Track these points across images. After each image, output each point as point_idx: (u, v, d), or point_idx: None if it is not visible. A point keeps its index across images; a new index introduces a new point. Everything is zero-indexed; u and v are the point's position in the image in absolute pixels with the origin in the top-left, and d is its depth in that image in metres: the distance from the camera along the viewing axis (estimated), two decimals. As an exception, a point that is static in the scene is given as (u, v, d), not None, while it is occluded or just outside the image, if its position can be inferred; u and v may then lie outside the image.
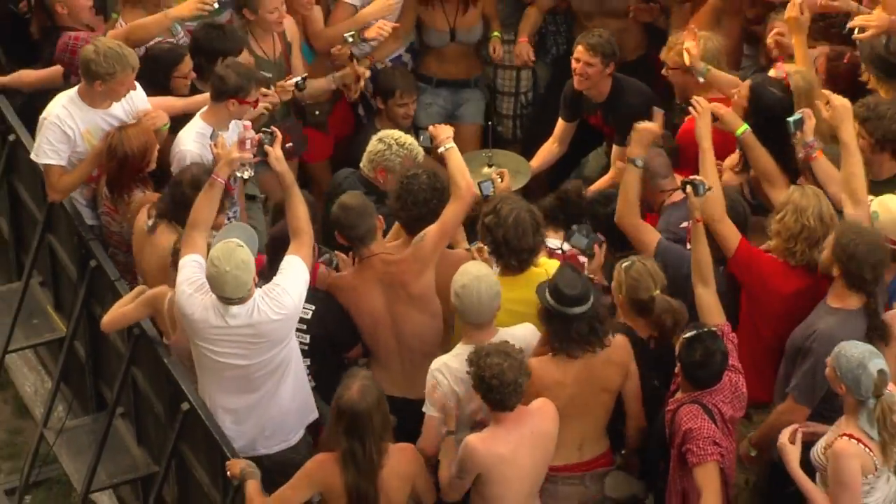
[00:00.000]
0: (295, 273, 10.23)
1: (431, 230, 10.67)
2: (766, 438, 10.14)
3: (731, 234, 10.76)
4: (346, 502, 9.58)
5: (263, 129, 11.04)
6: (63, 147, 11.98)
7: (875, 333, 9.81)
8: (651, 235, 10.91)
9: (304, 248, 10.41)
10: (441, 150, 11.16)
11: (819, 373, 9.71)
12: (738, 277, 10.79)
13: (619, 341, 10.08)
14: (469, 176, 11.10)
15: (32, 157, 12.08)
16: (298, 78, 13.04)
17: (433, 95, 14.50)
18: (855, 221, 10.41)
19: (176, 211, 11.05)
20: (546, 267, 10.73)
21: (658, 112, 12.05)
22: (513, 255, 10.53)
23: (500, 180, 11.94)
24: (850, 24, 12.60)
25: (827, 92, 11.34)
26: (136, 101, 12.25)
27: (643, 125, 11.39)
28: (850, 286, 9.85)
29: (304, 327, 10.75)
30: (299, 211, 10.62)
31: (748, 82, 12.08)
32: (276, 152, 10.77)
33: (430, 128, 11.63)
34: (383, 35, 13.54)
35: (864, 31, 12.30)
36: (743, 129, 11.46)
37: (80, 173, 11.97)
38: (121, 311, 10.63)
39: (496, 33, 14.53)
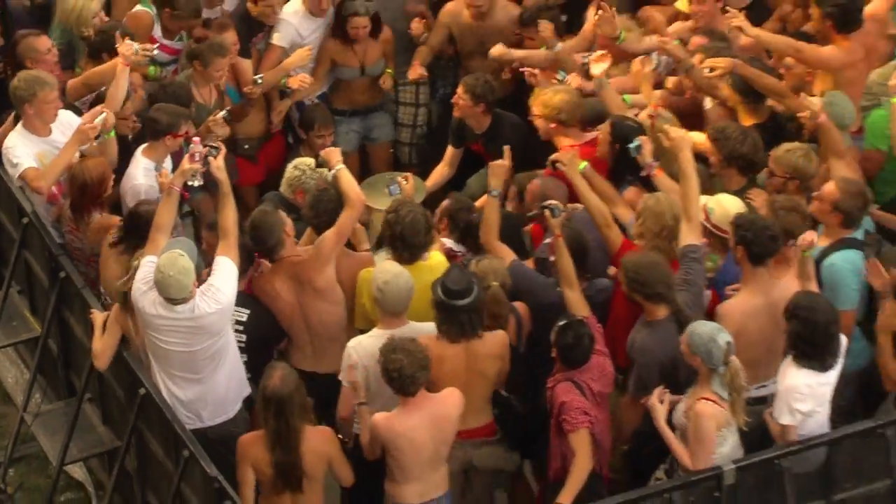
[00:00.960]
0: (225, 271, 10.47)
1: (328, 233, 11.03)
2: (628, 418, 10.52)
3: (616, 237, 11.18)
4: (272, 476, 9.78)
5: (209, 143, 11.18)
6: (27, 153, 12.01)
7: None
8: (506, 256, 11.14)
9: (232, 249, 10.62)
10: (333, 171, 11.46)
11: (643, 376, 10.29)
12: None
13: (499, 336, 10.44)
14: (358, 189, 11.46)
15: (11, 172, 12.06)
16: (224, 112, 12.91)
17: (349, 124, 14.47)
18: (631, 255, 10.70)
19: (134, 237, 11.11)
20: (432, 262, 11.10)
21: (506, 149, 11.89)
22: (406, 248, 10.89)
23: (405, 182, 12.32)
24: (704, 64, 12.63)
25: (666, 126, 11.46)
26: (73, 124, 12.13)
27: (496, 162, 11.78)
28: (653, 301, 10.18)
29: (242, 328, 11.00)
30: (230, 215, 10.81)
31: (609, 119, 12.32)
32: (218, 163, 10.93)
33: (322, 153, 12.01)
34: (304, 86, 13.59)
35: (714, 71, 12.48)
36: (583, 165, 11.63)
37: (56, 167, 11.85)
38: (102, 341, 10.56)
39: (389, 70, 14.66)
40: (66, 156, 11.96)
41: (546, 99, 12.57)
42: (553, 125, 12.42)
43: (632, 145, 11.61)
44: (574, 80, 13.36)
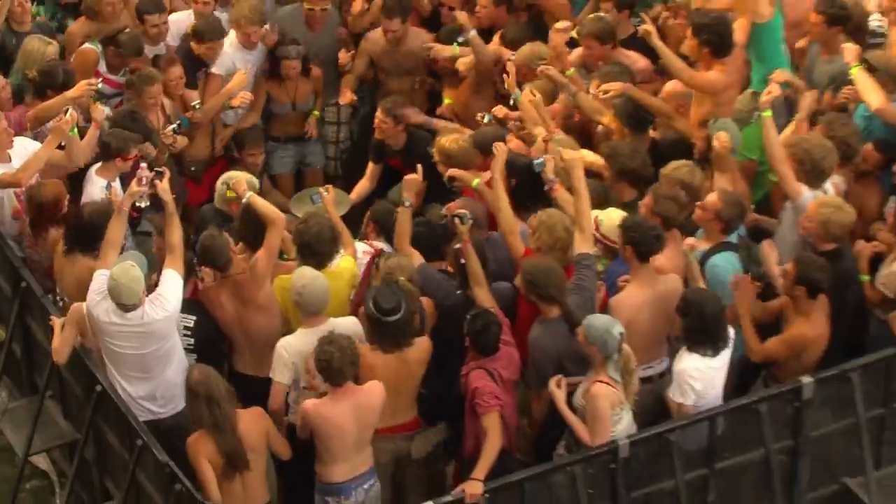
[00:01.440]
0: (172, 283, 10.59)
1: (260, 254, 11.05)
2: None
3: (518, 245, 11.16)
4: (224, 464, 9.77)
5: (155, 168, 11.34)
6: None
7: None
8: (416, 259, 11.23)
9: (178, 262, 10.78)
10: (244, 199, 11.45)
11: (539, 369, 10.42)
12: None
13: (425, 342, 10.57)
14: (273, 208, 11.43)
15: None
16: (172, 126, 12.98)
17: (283, 150, 14.52)
18: (529, 260, 10.87)
19: (83, 240, 11.23)
20: (339, 269, 11.23)
21: (419, 167, 12.02)
22: (313, 255, 10.93)
23: (325, 193, 12.23)
24: (598, 89, 12.70)
25: (560, 149, 11.58)
26: (30, 148, 12.17)
27: (409, 177, 11.86)
28: (546, 302, 10.31)
29: (189, 332, 11.05)
30: (175, 232, 10.99)
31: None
32: (163, 185, 11.08)
33: (231, 184, 11.91)
34: (245, 103, 13.63)
35: (608, 93, 12.51)
36: (476, 182, 11.78)
37: (37, 160, 11.91)
38: (61, 339, 10.58)
39: (315, 112, 14.74)
40: (47, 151, 12.03)
41: (441, 147, 12.61)
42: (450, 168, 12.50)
43: (536, 161, 11.67)
44: (499, 111, 13.28)
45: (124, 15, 14.02)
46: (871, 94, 12.29)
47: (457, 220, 11.01)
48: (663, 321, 10.70)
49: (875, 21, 14.03)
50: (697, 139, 12.30)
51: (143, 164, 11.53)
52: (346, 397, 9.96)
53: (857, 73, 12.45)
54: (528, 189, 11.90)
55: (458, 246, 11.02)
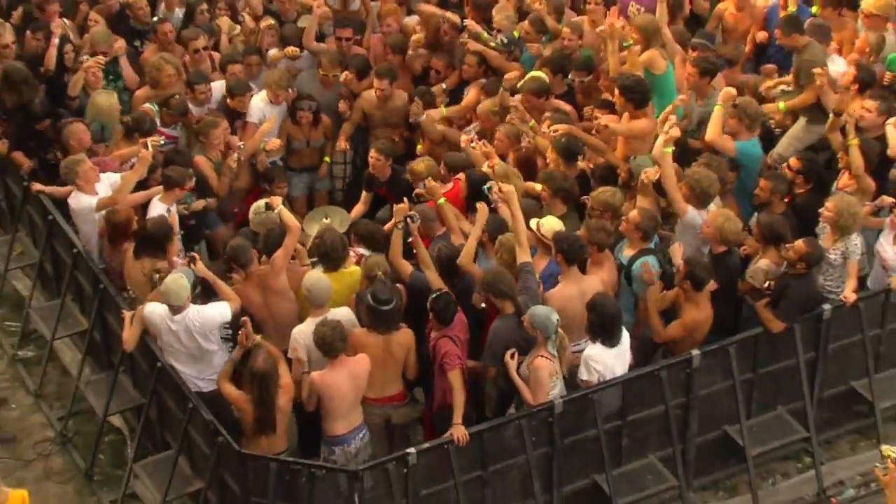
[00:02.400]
0: (217, 307, 10.71)
1: (279, 252, 11.08)
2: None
3: (476, 272, 11.14)
4: (252, 425, 9.99)
5: (188, 255, 11.48)
6: (90, 204, 11.98)
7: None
8: (407, 268, 11.27)
9: (226, 299, 10.86)
10: (276, 210, 11.48)
11: (494, 350, 10.43)
12: None
13: (408, 332, 10.67)
14: (294, 220, 11.52)
15: (84, 215, 12.09)
16: (236, 156, 13.00)
17: (299, 178, 14.33)
18: (493, 267, 11.02)
19: (146, 246, 11.29)
20: (349, 270, 11.27)
21: (405, 199, 11.73)
22: (329, 261, 11.04)
23: (326, 219, 12.46)
24: (551, 128, 12.56)
25: (500, 184, 11.34)
26: (112, 179, 12.21)
27: (399, 206, 11.59)
28: (500, 298, 10.41)
29: (228, 324, 10.90)
30: (225, 289, 11.09)
31: (464, 173, 12.51)
32: (199, 266, 11.22)
33: (268, 200, 11.91)
34: (275, 147, 13.49)
35: (557, 132, 12.44)
36: (441, 200, 11.89)
37: (128, 183, 11.95)
38: (129, 332, 10.79)
39: (327, 158, 14.59)
40: (135, 176, 12.01)
41: (413, 168, 12.54)
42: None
43: (485, 187, 11.61)
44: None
45: (178, 83, 13.89)
46: (712, 127, 12.39)
47: (408, 219, 11.19)
48: (584, 311, 10.63)
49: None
50: (622, 170, 12.41)
51: (177, 259, 11.55)
52: (341, 367, 10.10)
53: (716, 111, 12.47)
54: (477, 198, 11.77)
55: (410, 239, 11.28)
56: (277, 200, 11.81)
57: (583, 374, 10.53)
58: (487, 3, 15.11)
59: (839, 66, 13.84)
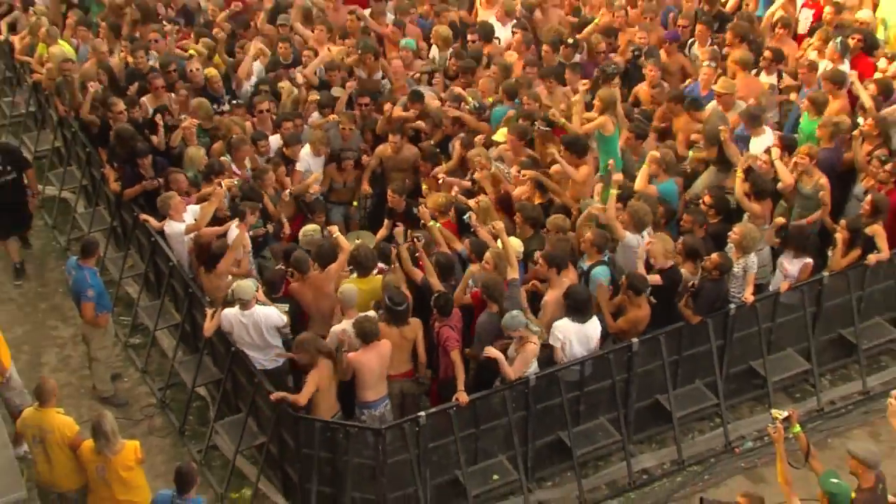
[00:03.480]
0: (275, 312, 10.77)
1: (334, 266, 11.12)
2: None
3: (466, 298, 11.19)
4: (330, 380, 10.26)
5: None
6: (180, 229, 12.01)
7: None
8: (418, 274, 11.19)
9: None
10: (334, 234, 11.47)
11: (481, 341, 10.60)
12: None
13: (416, 322, 10.73)
14: (346, 241, 11.48)
15: (177, 237, 12.08)
16: (287, 191, 12.90)
17: (336, 209, 13.88)
18: (491, 275, 10.88)
19: (209, 262, 11.54)
20: (376, 278, 11.21)
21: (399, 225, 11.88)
22: (361, 268, 11.06)
23: (358, 240, 12.23)
24: (522, 173, 12.49)
25: (493, 222, 11.42)
26: (195, 210, 12.10)
27: (397, 229, 11.72)
28: (491, 299, 10.53)
29: (287, 311, 10.99)
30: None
31: (454, 206, 12.37)
32: (260, 296, 10.93)
33: (329, 229, 11.82)
34: (318, 189, 13.16)
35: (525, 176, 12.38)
36: (431, 223, 11.71)
37: (205, 216, 11.88)
38: (210, 323, 10.83)
39: (354, 203, 14.32)
40: (211, 208, 11.86)
41: (434, 200, 12.32)
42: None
43: (465, 217, 11.81)
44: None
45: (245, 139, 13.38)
46: (639, 179, 12.39)
47: (415, 240, 11.23)
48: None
49: None
50: (573, 208, 12.30)
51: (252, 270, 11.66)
52: (371, 350, 10.20)
53: (643, 168, 12.45)
54: (462, 224, 11.98)
55: (417, 254, 11.26)
56: (335, 229, 11.68)
57: (550, 340, 10.63)
58: (472, 69, 14.95)
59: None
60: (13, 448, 10.14)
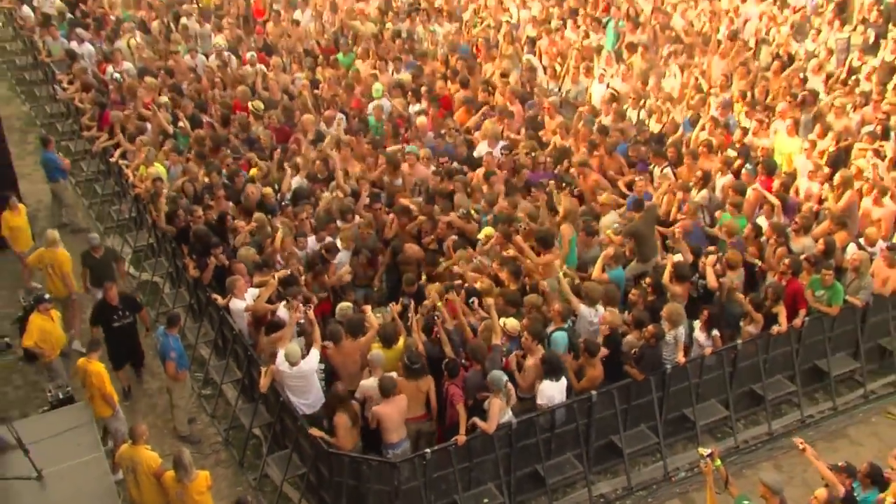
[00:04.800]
0: (313, 357, 10.59)
1: (366, 338, 10.88)
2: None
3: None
4: (351, 424, 10.08)
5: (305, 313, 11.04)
6: (241, 305, 11.74)
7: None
8: (418, 343, 10.87)
9: (318, 347, 10.70)
10: (369, 315, 11.24)
11: (467, 395, 10.35)
12: None
13: (429, 380, 10.49)
14: (375, 320, 11.14)
15: (240, 310, 11.71)
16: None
17: (360, 291, 12.97)
18: (476, 342, 10.71)
19: (269, 331, 11.25)
20: (399, 347, 10.93)
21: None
22: (387, 342, 10.86)
23: (379, 315, 11.61)
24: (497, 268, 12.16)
25: (483, 298, 11.28)
26: (253, 293, 11.80)
27: (395, 307, 11.53)
28: (477, 361, 10.43)
29: (322, 370, 10.86)
30: (316, 333, 10.78)
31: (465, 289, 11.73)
32: (310, 315, 10.93)
33: (366, 314, 11.35)
34: (348, 279, 12.67)
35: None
36: (438, 303, 11.24)
37: (262, 298, 11.53)
38: (264, 379, 10.61)
39: (375, 287, 13.48)
40: (267, 293, 11.52)
41: (434, 288, 11.84)
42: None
43: (469, 301, 11.28)
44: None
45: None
46: (596, 269, 12.26)
47: (436, 317, 10.94)
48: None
49: None
50: (541, 288, 11.85)
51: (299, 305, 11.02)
52: (391, 403, 10.03)
53: (599, 260, 12.31)
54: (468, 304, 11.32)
55: (436, 329, 10.90)
56: (368, 309, 11.42)
57: (538, 399, 10.47)
58: (463, 184, 14.42)
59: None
60: (112, 475, 10.01)
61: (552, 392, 10.47)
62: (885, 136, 14.55)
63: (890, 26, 18.19)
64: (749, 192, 13.72)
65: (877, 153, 14.12)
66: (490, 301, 11.20)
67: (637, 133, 15.65)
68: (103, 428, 11.23)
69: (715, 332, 11.47)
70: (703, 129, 15.38)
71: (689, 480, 11.32)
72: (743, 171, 14.26)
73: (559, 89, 17.67)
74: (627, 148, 15.19)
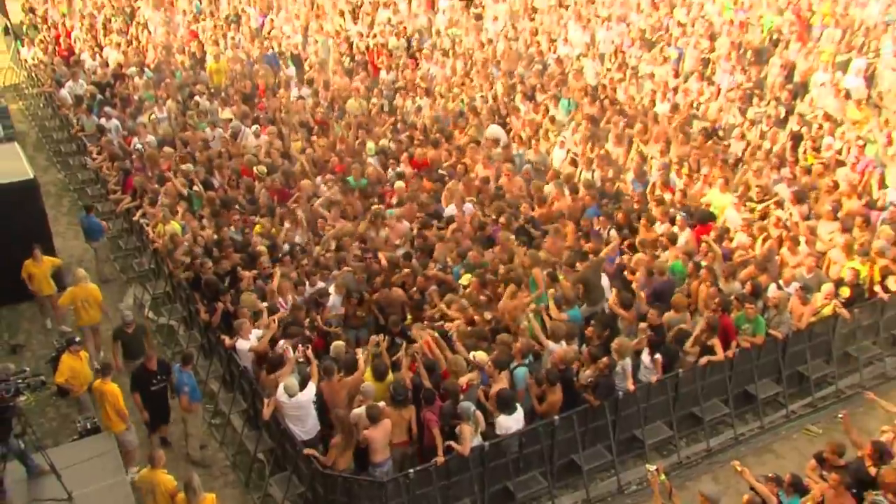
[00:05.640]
0: (310, 389, 10.52)
1: (353, 378, 10.70)
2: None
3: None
4: (344, 445, 9.96)
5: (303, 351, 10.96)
6: (246, 345, 11.51)
7: None
8: (409, 375, 10.76)
9: (315, 380, 10.60)
10: (359, 358, 11.02)
11: (442, 418, 10.23)
12: None
13: (411, 409, 10.41)
14: (363, 362, 10.97)
15: (244, 351, 11.51)
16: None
17: (352, 330, 12.59)
18: (450, 380, 10.61)
19: (271, 368, 10.99)
20: (387, 381, 10.72)
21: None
22: (379, 375, 10.70)
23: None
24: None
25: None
26: (257, 334, 11.61)
27: (374, 339, 11.44)
28: (451, 398, 10.29)
29: (316, 401, 10.68)
30: (315, 370, 10.66)
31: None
32: (308, 354, 10.90)
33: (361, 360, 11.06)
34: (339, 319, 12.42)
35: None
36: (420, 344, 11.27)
37: (266, 338, 11.45)
38: (267, 410, 10.55)
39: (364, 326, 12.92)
40: (269, 334, 11.43)
41: (417, 330, 11.70)
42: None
43: (450, 333, 11.37)
44: None
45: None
46: (553, 311, 11.97)
47: (415, 354, 10.86)
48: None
49: None
50: (511, 326, 11.78)
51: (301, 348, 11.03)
52: (378, 427, 9.95)
53: (552, 303, 12.04)
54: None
55: (415, 364, 10.81)
56: (360, 352, 11.20)
57: (496, 430, 10.40)
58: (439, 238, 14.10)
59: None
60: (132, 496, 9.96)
61: (508, 423, 10.37)
62: (800, 195, 14.67)
63: (797, 102, 18.72)
64: (688, 237, 13.73)
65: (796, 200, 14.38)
66: (459, 345, 11.22)
67: (600, 196, 15.46)
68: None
69: (657, 357, 11.37)
70: (652, 187, 15.42)
71: (639, 493, 11.22)
72: (677, 217, 14.12)
73: (522, 155, 17.70)
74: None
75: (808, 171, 15.66)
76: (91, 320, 13.34)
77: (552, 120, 18.42)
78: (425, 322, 12.10)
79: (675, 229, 13.81)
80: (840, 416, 10.54)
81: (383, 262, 13.35)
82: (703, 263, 12.90)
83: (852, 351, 12.96)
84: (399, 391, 10.30)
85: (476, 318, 12.03)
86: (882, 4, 21.38)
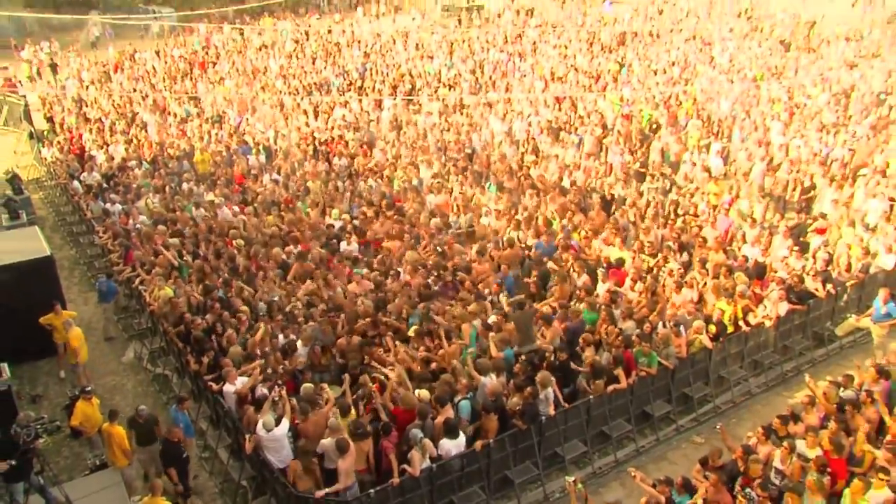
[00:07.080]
0: (285, 425, 10.24)
1: (320, 413, 10.42)
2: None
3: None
4: (304, 473, 9.69)
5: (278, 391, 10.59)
6: (231, 389, 11.18)
7: None
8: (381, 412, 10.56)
9: (287, 418, 10.25)
10: (324, 395, 10.80)
11: (399, 446, 10.05)
12: None
13: (369, 441, 10.05)
14: (331, 398, 10.72)
15: (230, 392, 11.08)
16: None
17: (318, 374, 11.90)
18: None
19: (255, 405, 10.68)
20: (351, 416, 10.53)
21: None
22: (343, 412, 10.48)
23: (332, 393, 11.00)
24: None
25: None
26: (242, 381, 11.21)
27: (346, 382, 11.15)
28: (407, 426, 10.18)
29: (291, 435, 10.36)
30: (288, 409, 10.33)
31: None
32: (281, 393, 10.47)
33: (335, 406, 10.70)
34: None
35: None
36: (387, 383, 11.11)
37: (248, 385, 11.02)
38: (249, 445, 10.24)
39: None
40: (250, 383, 11.06)
41: (378, 371, 11.45)
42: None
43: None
44: None
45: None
46: (493, 350, 11.62)
47: (372, 394, 10.63)
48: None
49: None
50: (449, 367, 11.35)
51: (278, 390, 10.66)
52: (347, 457, 9.73)
53: (491, 344, 11.71)
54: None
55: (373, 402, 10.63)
56: (325, 386, 10.94)
57: (439, 450, 10.15)
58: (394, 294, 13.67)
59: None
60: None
61: (449, 447, 10.14)
62: (680, 249, 14.97)
63: (674, 176, 19.39)
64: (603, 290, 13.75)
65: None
66: (401, 390, 10.95)
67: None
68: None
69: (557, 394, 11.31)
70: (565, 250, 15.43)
71: (562, 500, 11.02)
72: (599, 272, 14.11)
73: (457, 222, 17.82)
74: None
75: (684, 230, 16.11)
76: (85, 357, 13.38)
77: (483, 190, 18.68)
78: (373, 369, 11.80)
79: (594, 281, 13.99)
80: (718, 427, 10.80)
81: (342, 317, 13.29)
82: (604, 306, 13.15)
83: (724, 374, 13.05)
84: (357, 427, 9.96)
85: (414, 367, 11.74)
86: (729, 102, 22.90)
